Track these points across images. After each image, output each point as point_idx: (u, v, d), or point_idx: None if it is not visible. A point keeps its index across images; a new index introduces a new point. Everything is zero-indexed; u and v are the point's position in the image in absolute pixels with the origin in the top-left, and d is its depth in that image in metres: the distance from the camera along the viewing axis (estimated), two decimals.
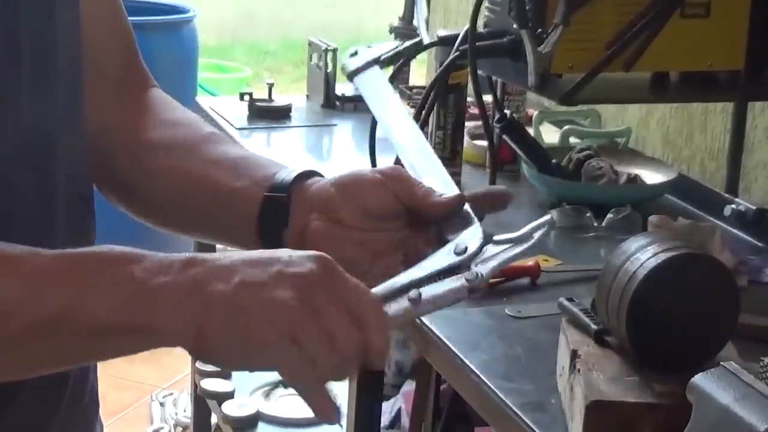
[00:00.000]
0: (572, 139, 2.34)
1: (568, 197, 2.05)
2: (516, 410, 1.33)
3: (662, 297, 1.22)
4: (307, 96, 2.84)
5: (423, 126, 1.86)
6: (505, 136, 2.11)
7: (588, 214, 1.99)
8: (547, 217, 1.01)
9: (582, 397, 1.19)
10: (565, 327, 1.35)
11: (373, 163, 1.90)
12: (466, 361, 1.47)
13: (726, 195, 2.05)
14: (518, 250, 0.97)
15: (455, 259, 0.95)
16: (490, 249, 0.97)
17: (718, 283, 1.24)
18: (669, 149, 2.43)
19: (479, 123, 2.07)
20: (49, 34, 1.06)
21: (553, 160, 2.12)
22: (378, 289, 0.92)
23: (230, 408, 2.62)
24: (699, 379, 0.97)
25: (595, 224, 1.98)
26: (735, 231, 1.96)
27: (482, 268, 0.95)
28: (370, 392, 1.96)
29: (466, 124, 2.25)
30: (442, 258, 0.96)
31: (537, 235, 0.99)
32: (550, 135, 2.41)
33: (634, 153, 2.31)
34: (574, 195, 2.06)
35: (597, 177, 2.09)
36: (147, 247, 0.91)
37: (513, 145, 2.13)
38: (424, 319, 1.58)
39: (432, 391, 2.15)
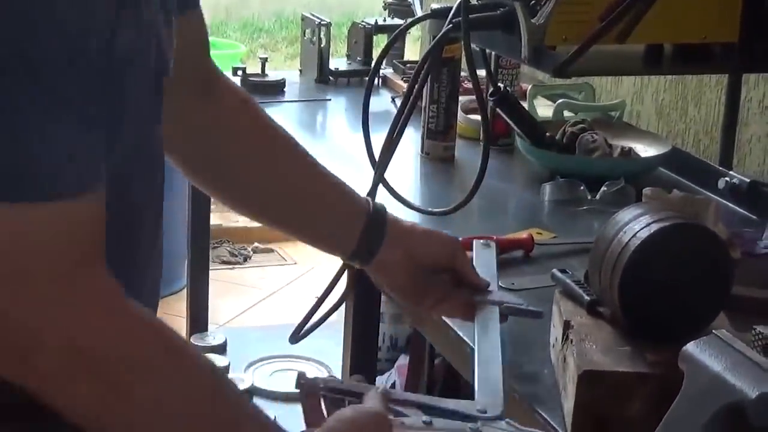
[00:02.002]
0: (566, 113, 2.34)
1: (562, 170, 2.05)
2: (509, 381, 1.33)
3: (655, 267, 1.22)
4: (301, 71, 2.83)
5: (416, 100, 1.85)
6: (499, 110, 2.10)
7: (582, 188, 1.99)
8: None
9: (574, 367, 1.19)
10: (558, 298, 1.35)
11: (367, 138, 1.90)
12: (460, 334, 1.47)
13: (720, 168, 2.05)
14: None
15: (475, 414, 1.12)
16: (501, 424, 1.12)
17: (712, 252, 1.24)
18: (663, 122, 2.42)
19: (473, 97, 2.07)
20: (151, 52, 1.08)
21: (547, 134, 2.12)
22: (402, 395, 1.14)
23: None
24: (691, 348, 0.97)
25: (589, 197, 1.98)
26: (729, 204, 1.96)
27: (484, 430, 1.10)
28: (365, 367, 1.96)
29: (460, 98, 2.25)
30: (466, 406, 1.14)
31: None
32: (544, 109, 2.41)
33: (628, 126, 2.30)
34: (568, 168, 2.06)
35: (591, 150, 2.09)
36: None
37: (507, 119, 2.12)
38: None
39: (426, 364, 2.15)
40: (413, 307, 1.44)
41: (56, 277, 0.93)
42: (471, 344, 1.44)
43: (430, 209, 1.86)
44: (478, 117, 2.22)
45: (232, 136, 1.35)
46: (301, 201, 1.38)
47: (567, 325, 1.27)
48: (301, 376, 1.14)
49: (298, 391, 1.13)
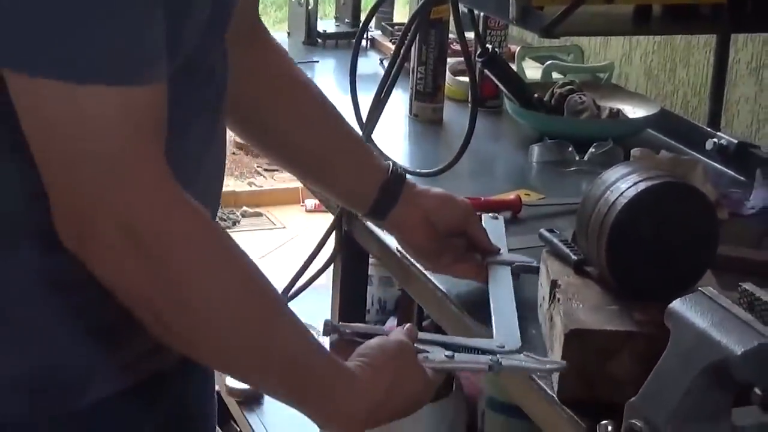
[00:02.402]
0: (555, 75, 2.34)
1: (550, 132, 2.05)
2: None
3: (642, 226, 1.22)
4: (289, 33, 2.82)
5: (404, 61, 1.84)
6: (487, 71, 2.10)
7: (570, 149, 1.98)
8: (562, 363, 1.18)
9: (561, 326, 1.19)
10: (546, 258, 1.35)
11: (354, 99, 1.89)
12: (447, 294, 1.47)
13: (708, 129, 2.05)
14: (534, 365, 1.19)
15: (494, 349, 1.22)
16: (519, 357, 1.21)
17: (699, 212, 1.24)
18: (651, 84, 2.42)
19: (461, 59, 2.06)
20: None
21: (536, 95, 2.12)
22: (428, 335, 1.22)
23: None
24: (677, 305, 0.97)
25: (577, 158, 1.98)
26: (717, 165, 1.96)
27: (504, 362, 1.18)
28: None
29: (448, 59, 2.24)
30: (485, 343, 1.23)
31: (548, 367, 1.19)
32: (532, 71, 2.41)
33: (617, 88, 2.30)
34: (556, 129, 2.06)
35: (579, 111, 2.08)
36: None
37: (495, 80, 2.12)
38: (406, 252, 1.58)
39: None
40: (428, 266, 1.50)
41: (114, 156, 0.99)
42: (456, 305, 1.44)
43: (418, 170, 1.85)
44: (466, 79, 2.21)
45: (268, 85, 1.40)
46: (325, 156, 1.44)
47: (554, 285, 1.27)
48: (327, 323, 1.22)
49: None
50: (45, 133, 0.99)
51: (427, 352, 1.19)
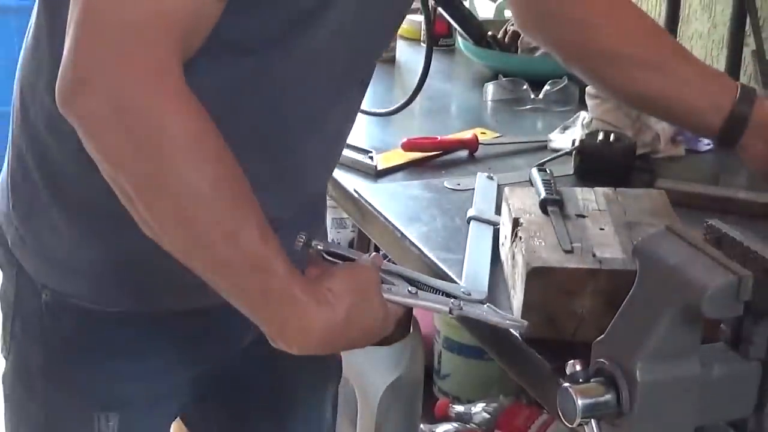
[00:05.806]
0: (507, 12, 2.31)
1: (505, 70, 2.03)
2: (457, 282, 1.32)
3: None
4: None
5: None
6: (440, 9, 2.07)
7: (525, 87, 1.97)
8: (523, 322, 1.17)
9: (523, 264, 1.18)
10: (507, 195, 1.34)
11: None
12: (406, 234, 1.45)
13: None
14: (494, 318, 1.18)
15: (459, 294, 1.19)
16: (482, 307, 1.19)
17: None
18: None
19: None
20: None
21: (489, 33, 2.10)
22: (393, 267, 1.20)
23: None
24: (645, 242, 0.96)
25: (532, 96, 1.96)
26: None
27: (465, 308, 1.17)
28: None
29: None
30: (451, 286, 1.21)
31: (508, 323, 1.18)
32: (485, 9, 2.38)
33: None
34: (511, 67, 2.04)
35: (533, 49, 2.07)
36: None
37: (448, 18, 2.10)
38: (362, 192, 1.56)
39: None
40: None
41: (133, 33, 1.01)
42: (419, 245, 1.43)
43: (372, 110, 1.83)
44: (418, 17, 2.18)
45: (606, 26, 1.45)
46: (670, 86, 1.44)
47: (516, 223, 1.26)
48: (301, 236, 1.20)
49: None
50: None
51: (392, 284, 1.17)
